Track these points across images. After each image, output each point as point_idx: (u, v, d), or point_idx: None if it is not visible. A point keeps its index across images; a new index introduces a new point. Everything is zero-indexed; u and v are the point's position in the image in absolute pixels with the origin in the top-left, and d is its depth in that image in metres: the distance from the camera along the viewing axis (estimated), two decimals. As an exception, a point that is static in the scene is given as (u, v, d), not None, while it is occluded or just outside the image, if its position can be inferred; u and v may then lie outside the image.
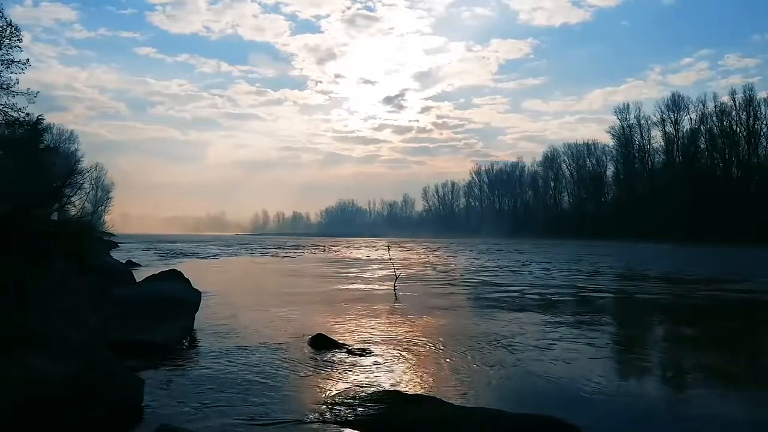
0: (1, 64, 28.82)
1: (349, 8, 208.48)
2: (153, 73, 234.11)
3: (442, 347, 6.51)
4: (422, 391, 4.68)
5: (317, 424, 3.88)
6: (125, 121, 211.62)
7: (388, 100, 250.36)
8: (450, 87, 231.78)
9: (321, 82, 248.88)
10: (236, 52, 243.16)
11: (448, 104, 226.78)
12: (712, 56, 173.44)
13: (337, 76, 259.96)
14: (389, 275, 15.05)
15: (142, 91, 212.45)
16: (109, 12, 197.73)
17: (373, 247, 48.94)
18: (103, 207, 77.74)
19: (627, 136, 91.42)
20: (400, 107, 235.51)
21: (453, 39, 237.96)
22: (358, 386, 4.78)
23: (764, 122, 75.89)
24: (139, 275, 11.62)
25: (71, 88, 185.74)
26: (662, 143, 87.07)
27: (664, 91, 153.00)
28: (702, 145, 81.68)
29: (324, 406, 4.18)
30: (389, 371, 5.40)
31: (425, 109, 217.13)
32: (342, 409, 4.11)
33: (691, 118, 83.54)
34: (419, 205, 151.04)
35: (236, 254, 33.63)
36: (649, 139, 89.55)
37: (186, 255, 30.85)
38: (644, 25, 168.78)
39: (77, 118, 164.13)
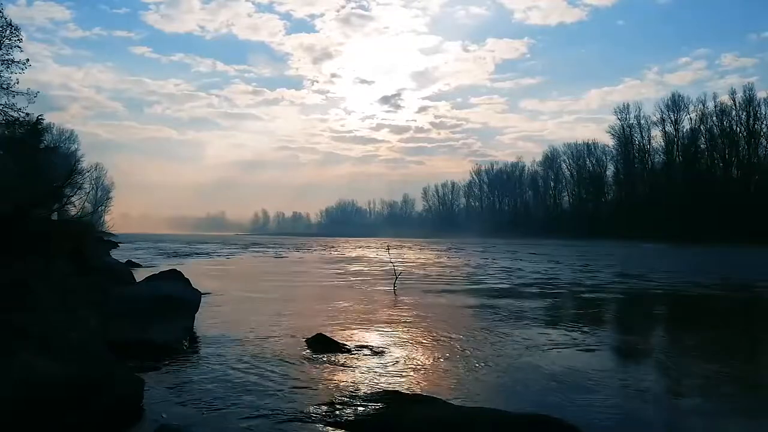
0: (1, 64, 28.75)
1: (343, 7, 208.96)
2: (149, 72, 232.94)
3: (441, 347, 6.51)
4: (422, 391, 4.67)
5: (317, 424, 3.88)
6: (122, 120, 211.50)
7: (385, 99, 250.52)
8: (447, 87, 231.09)
9: (317, 81, 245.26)
10: (232, 52, 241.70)
11: (445, 104, 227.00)
12: (709, 56, 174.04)
13: (333, 75, 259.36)
14: (389, 274, 15.05)
15: (139, 91, 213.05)
16: (103, 11, 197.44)
17: (373, 246, 48.93)
18: (103, 207, 77.38)
19: (627, 136, 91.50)
20: (398, 107, 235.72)
21: (448, 38, 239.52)
22: (358, 386, 4.78)
23: (764, 122, 76.15)
24: (139, 275, 11.61)
25: (67, 87, 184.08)
26: (662, 143, 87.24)
27: (661, 90, 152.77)
28: (702, 145, 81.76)
29: (324, 406, 4.18)
30: (389, 371, 5.40)
31: (422, 109, 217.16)
32: (342, 409, 4.11)
33: (690, 118, 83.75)
34: (419, 205, 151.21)
35: (236, 254, 33.61)
36: (649, 139, 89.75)
37: (186, 255, 30.84)
38: (640, 25, 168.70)
39: (74, 117, 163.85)
